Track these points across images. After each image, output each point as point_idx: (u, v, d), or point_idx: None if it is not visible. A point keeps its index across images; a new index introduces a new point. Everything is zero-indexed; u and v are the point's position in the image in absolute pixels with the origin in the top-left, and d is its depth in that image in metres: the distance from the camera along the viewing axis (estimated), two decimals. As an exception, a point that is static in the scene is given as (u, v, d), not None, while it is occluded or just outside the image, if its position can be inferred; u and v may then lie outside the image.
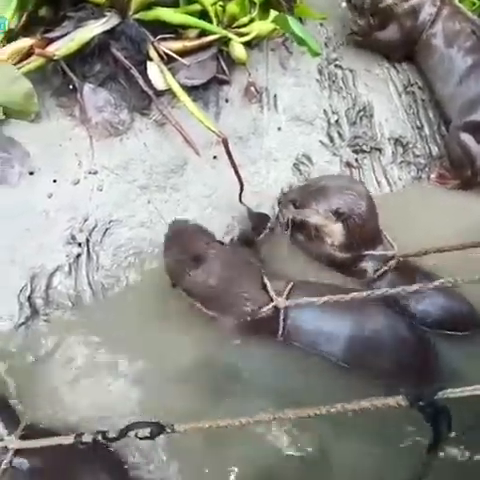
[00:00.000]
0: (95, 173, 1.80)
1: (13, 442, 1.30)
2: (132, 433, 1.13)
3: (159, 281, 1.76)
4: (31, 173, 1.75)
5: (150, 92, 1.87)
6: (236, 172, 1.86)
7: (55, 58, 1.72)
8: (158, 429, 1.12)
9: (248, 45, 2.08)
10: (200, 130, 1.86)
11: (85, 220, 1.75)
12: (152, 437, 1.12)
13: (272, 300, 1.63)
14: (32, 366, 1.57)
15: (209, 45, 2.00)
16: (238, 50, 2.03)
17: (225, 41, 2.02)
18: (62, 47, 1.74)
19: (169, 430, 1.13)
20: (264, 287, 1.67)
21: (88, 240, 1.74)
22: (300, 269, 1.91)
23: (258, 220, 2.00)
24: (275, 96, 2.11)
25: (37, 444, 1.28)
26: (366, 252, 1.87)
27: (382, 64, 2.54)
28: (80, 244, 1.73)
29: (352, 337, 1.61)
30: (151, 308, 1.74)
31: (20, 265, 1.65)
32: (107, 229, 1.77)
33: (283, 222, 1.93)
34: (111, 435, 1.15)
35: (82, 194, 1.77)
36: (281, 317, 1.63)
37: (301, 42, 1.95)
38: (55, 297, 1.67)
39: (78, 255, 1.72)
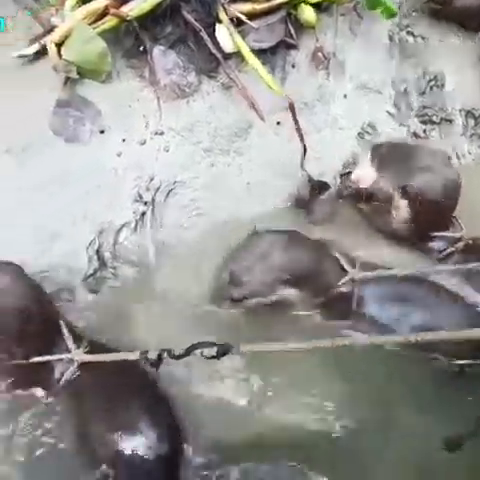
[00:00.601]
0: (161, 134, 1.84)
1: (79, 355, 1.39)
2: (198, 352, 1.14)
3: (218, 243, 1.82)
4: (102, 132, 1.81)
5: (218, 55, 1.89)
6: (301, 137, 1.84)
7: (128, 19, 1.76)
8: (224, 349, 1.13)
9: (317, 8, 2.04)
10: (265, 95, 1.86)
11: (151, 179, 1.80)
12: (218, 357, 1.13)
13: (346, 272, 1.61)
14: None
15: (278, 8, 1.96)
16: (307, 13, 1.98)
17: (294, 4, 1.99)
18: (135, 8, 1.78)
19: (235, 350, 1.13)
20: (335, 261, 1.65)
21: (153, 199, 1.79)
22: (362, 242, 1.90)
23: (318, 188, 2.00)
24: (342, 62, 2.06)
25: (103, 358, 1.37)
26: (434, 233, 1.83)
27: (456, 33, 2.40)
28: (146, 203, 1.78)
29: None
30: (208, 269, 1.78)
31: (91, 219, 1.72)
32: (171, 190, 1.82)
33: (349, 190, 1.91)
34: (176, 353, 1.17)
35: (149, 154, 1.82)
36: (356, 289, 1.61)
37: (374, 4, 1.89)
38: (122, 252, 1.73)
39: (143, 213, 1.77)
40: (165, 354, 1.16)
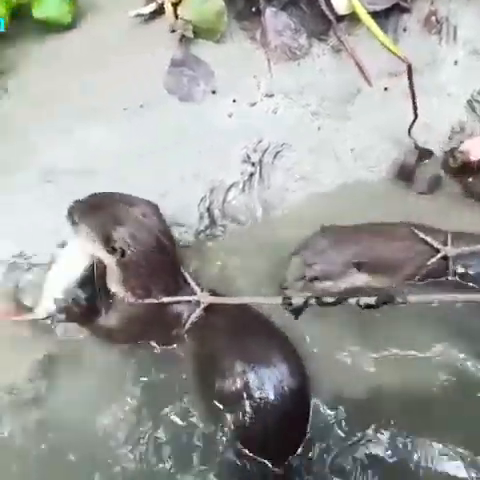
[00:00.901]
0: (271, 96, 1.86)
1: (206, 297, 1.45)
2: (353, 300, 1.08)
3: (320, 207, 1.81)
4: (213, 92, 1.85)
5: (331, 16, 1.86)
6: (414, 102, 1.80)
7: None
8: (386, 298, 1.06)
9: (433, -29, 1.99)
10: (373, 60, 1.84)
11: (259, 141, 1.82)
12: (377, 306, 1.07)
13: (438, 251, 1.57)
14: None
15: (393, -30, 1.94)
16: (423, -25, 1.93)
17: (410, -34, 1.94)
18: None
19: (400, 300, 1.06)
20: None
21: (261, 161, 1.81)
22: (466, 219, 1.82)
23: (422, 155, 1.95)
24: (455, 27, 1.98)
25: (227, 301, 1.44)
26: None
27: None
28: (253, 164, 1.80)
29: None
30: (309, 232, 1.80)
31: (202, 177, 1.77)
32: (278, 152, 1.83)
33: (457, 161, 1.84)
34: (327, 300, 1.13)
35: (258, 116, 1.84)
36: (451, 264, 1.57)
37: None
38: (230, 210, 1.78)
39: (251, 174, 1.80)
40: (313, 300, 1.12)
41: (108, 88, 1.80)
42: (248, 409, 1.30)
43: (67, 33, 1.85)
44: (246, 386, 1.32)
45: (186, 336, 1.47)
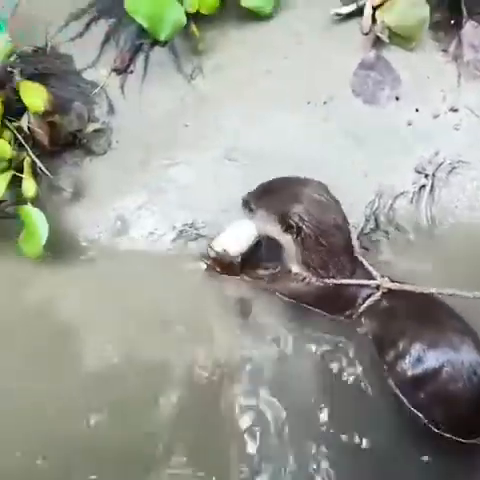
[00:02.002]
0: (456, 111, 1.82)
1: (387, 283, 1.50)
2: None
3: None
4: (397, 98, 1.85)
5: None
6: None
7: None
8: None
9: None
10: None
11: (436, 154, 1.80)
12: None
13: None
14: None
15: None
16: None
17: None
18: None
19: None
20: None
21: (434, 174, 1.78)
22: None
23: None
24: None
25: (407, 288, 1.48)
26: None
27: None
28: (427, 176, 1.79)
29: None
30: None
31: (372, 180, 1.78)
32: (454, 168, 1.80)
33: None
34: None
35: (439, 128, 1.82)
36: None
37: None
38: (396, 218, 1.77)
39: (423, 185, 1.78)
40: None
41: (295, 79, 1.85)
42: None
43: (265, 22, 1.91)
44: (426, 370, 1.35)
45: (363, 318, 1.51)
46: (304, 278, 1.53)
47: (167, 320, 1.66)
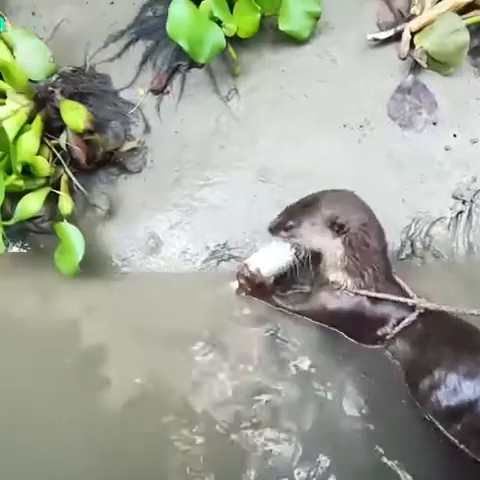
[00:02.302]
0: (494, 137, 1.83)
1: (424, 302, 1.46)
2: None
3: None
4: (434, 123, 1.83)
5: None
6: None
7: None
8: None
9: None
10: None
11: (474, 180, 1.77)
12: None
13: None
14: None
15: None
16: None
17: None
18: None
19: None
20: None
21: (472, 201, 1.76)
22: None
23: None
24: None
25: (445, 308, 1.44)
26: None
27: None
28: (464, 202, 1.76)
29: None
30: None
31: (409, 205, 1.76)
32: (492, 194, 1.80)
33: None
34: None
35: (477, 154, 1.80)
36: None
37: None
38: (432, 244, 1.75)
39: (460, 212, 1.76)
40: None
41: (330, 102, 1.85)
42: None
43: (301, 46, 1.93)
44: (462, 398, 1.30)
45: (396, 339, 1.48)
46: (340, 286, 1.52)
47: (196, 341, 1.63)
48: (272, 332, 1.64)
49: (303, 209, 1.57)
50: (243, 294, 1.70)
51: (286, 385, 1.51)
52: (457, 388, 1.33)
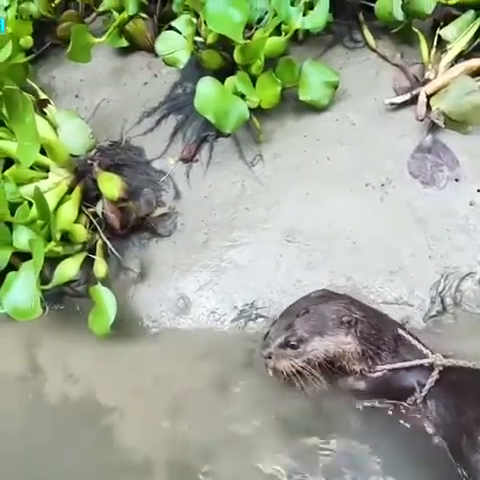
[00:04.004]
0: (518, 190, 1.83)
1: (442, 359, 1.43)
2: None
3: None
4: (457, 180, 1.85)
5: None
6: None
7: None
8: None
9: None
10: None
11: (502, 234, 1.79)
12: None
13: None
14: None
15: None
16: None
17: None
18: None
19: None
20: None
21: (501, 255, 1.77)
22: None
23: None
24: None
25: (462, 364, 1.41)
26: None
27: None
28: (491, 257, 1.77)
29: None
30: None
31: (436, 261, 1.75)
32: (522, 247, 1.77)
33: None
34: None
35: (503, 209, 1.83)
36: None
37: None
38: (463, 300, 1.72)
39: (489, 266, 1.76)
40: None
41: (352, 164, 1.91)
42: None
43: (320, 113, 2.03)
44: None
45: (425, 402, 1.44)
46: (362, 370, 1.50)
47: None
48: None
49: (306, 322, 1.52)
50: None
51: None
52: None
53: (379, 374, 1.51)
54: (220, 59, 2.01)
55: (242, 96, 1.92)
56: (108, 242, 1.94)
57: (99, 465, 1.57)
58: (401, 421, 1.52)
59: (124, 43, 2.33)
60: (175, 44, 1.90)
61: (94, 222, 1.94)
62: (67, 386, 1.77)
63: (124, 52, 2.38)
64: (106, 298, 1.77)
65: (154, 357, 1.80)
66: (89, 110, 2.27)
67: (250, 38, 1.96)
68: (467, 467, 1.34)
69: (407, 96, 1.95)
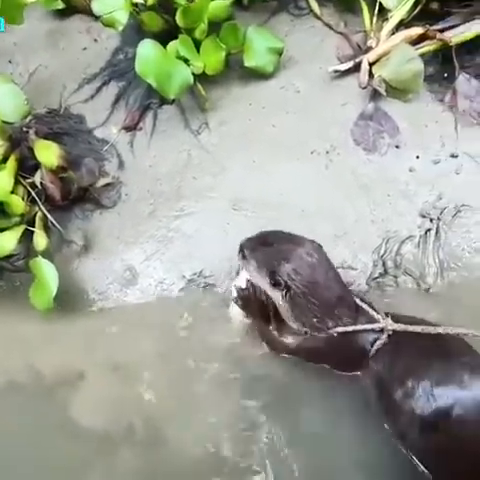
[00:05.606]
0: (456, 157, 1.86)
1: (391, 324, 1.45)
2: None
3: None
4: (397, 146, 1.90)
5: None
6: None
7: (451, 44, 1.86)
8: None
9: None
10: None
11: (439, 199, 1.82)
12: None
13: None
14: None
15: None
16: None
17: None
18: (459, 35, 1.87)
19: None
20: None
21: (439, 218, 1.80)
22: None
23: None
24: None
25: (412, 329, 1.43)
26: None
27: None
28: (432, 220, 1.80)
29: None
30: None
31: (378, 226, 1.80)
32: (457, 212, 1.81)
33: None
34: None
35: (440, 174, 1.85)
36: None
37: None
38: (403, 263, 1.77)
39: (428, 230, 1.80)
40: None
41: (298, 132, 1.92)
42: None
43: (267, 80, 2.02)
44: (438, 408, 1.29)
45: (371, 362, 1.46)
46: (306, 332, 1.50)
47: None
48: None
49: (258, 246, 1.54)
50: (242, 320, 1.66)
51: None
52: (429, 396, 1.32)
53: (328, 337, 1.50)
54: (161, 21, 1.94)
55: (185, 61, 1.87)
56: (48, 214, 1.86)
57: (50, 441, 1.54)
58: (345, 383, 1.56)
59: (60, 5, 2.20)
60: (113, 3, 1.80)
61: (33, 193, 1.85)
62: (10, 362, 1.71)
63: (61, 15, 2.24)
64: (47, 270, 1.71)
65: (102, 329, 1.75)
66: (23, 76, 2.14)
67: (193, 0, 1.92)
68: (399, 422, 1.38)
69: (350, 64, 1.97)
